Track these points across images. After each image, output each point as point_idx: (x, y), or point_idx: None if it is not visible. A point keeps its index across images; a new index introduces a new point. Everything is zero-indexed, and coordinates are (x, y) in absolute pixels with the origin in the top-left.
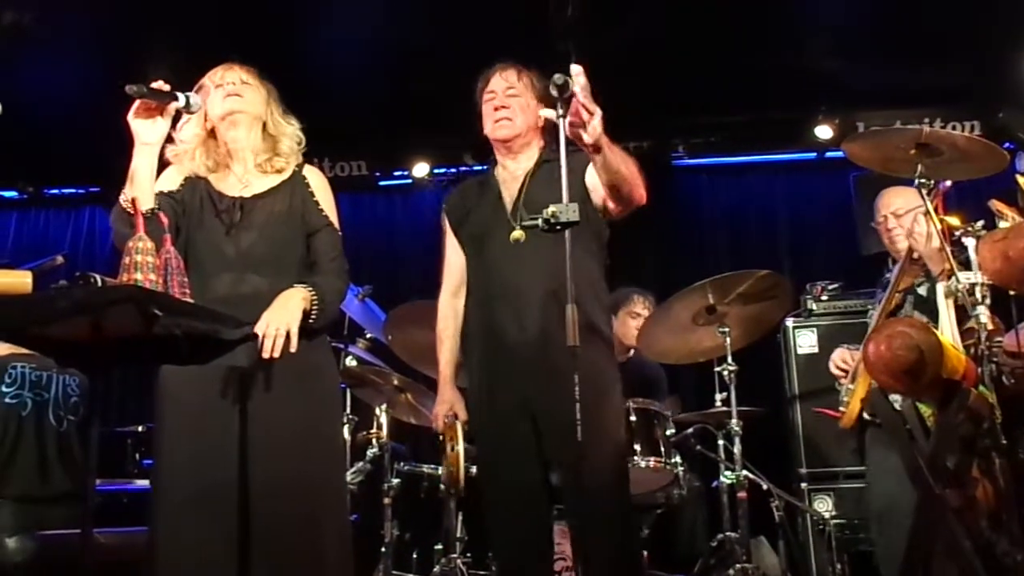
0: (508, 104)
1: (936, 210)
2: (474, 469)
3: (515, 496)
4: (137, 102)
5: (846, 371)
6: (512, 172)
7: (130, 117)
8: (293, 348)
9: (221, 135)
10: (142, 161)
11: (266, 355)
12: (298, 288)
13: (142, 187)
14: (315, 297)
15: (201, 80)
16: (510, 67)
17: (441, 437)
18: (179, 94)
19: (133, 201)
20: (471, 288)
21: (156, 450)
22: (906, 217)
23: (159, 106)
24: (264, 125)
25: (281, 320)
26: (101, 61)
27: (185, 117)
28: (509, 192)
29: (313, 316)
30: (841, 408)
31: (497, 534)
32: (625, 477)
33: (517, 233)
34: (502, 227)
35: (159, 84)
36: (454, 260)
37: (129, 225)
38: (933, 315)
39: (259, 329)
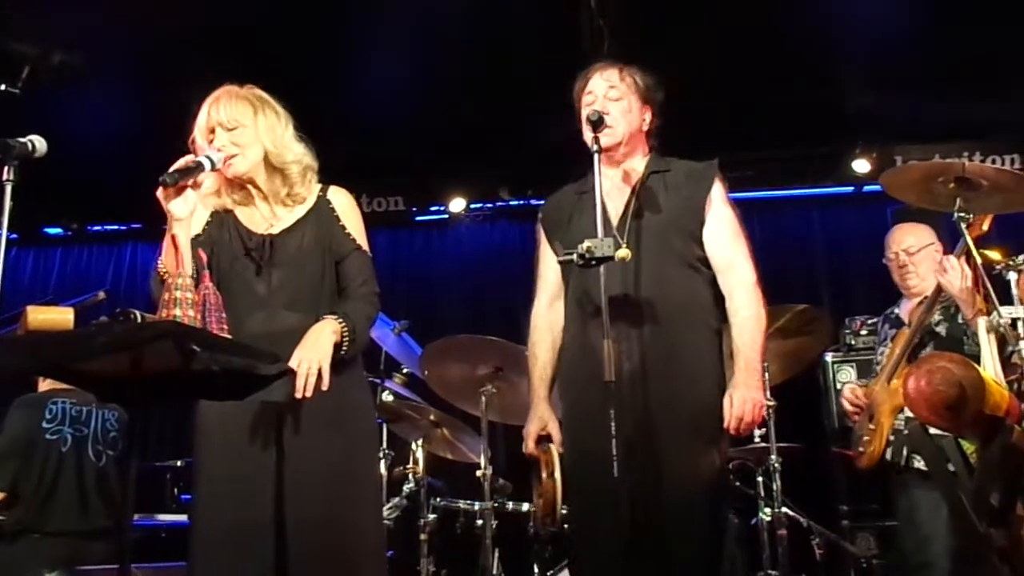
0: (608, 110)
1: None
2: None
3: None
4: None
5: (860, 407)
6: (615, 182)
7: (162, 200)
8: (325, 386)
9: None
10: (180, 232)
11: (299, 395)
12: (328, 320)
13: (184, 255)
14: (345, 328)
15: (197, 121)
16: (611, 65)
17: (532, 461)
18: (202, 159)
19: (173, 238)
20: (567, 306)
21: (194, 485)
22: (918, 255)
23: (190, 183)
24: (268, 158)
25: (313, 358)
26: (144, 97)
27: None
28: (615, 205)
29: (345, 348)
30: (860, 448)
31: None
32: (717, 543)
33: (623, 252)
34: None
35: (185, 161)
36: (549, 271)
37: (165, 291)
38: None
39: (292, 365)
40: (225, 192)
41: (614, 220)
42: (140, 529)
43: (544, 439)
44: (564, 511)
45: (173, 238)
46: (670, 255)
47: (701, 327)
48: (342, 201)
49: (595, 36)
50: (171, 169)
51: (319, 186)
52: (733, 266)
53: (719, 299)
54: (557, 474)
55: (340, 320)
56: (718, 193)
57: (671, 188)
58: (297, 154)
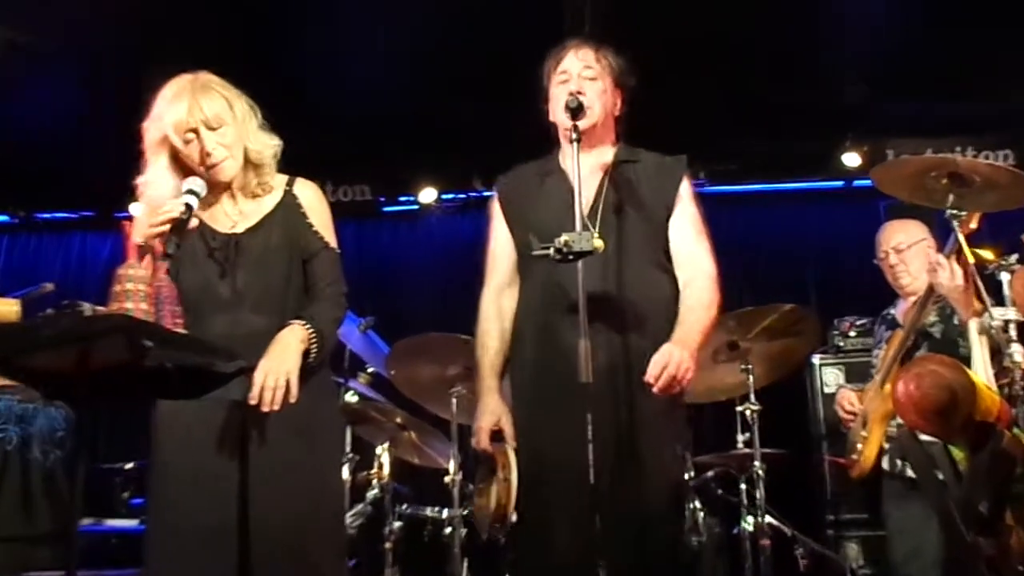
0: (585, 91)
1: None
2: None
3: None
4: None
5: (854, 413)
6: (584, 167)
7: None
8: (293, 398)
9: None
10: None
11: (265, 408)
12: (294, 328)
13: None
14: (313, 335)
15: (157, 116)
16: (586, 44)
17: (480, 459)
18: (188, 201)
19: (124, 226)
20: (526, 294)
21: (151, 486)
22: (909, 252)
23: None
24: (246, 153)
25: (279, 371)
26: (96, 84)
27: (153, 171)
28: (584, 193)
29: (312, 355)
30: (853, 455)
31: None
32: (679, 542)
33: (599, 242)
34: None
35: (172, 217)
36: (502, 252)
37: (116, 283)
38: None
39: (256, 379)
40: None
41: (584, 209)
42: (88, 535)
43: (496, 435)
44: (514, 517)
45: (124, 227)
46: (642, 253)
47: (666, 331)
48: (309, 196)
49: (575, 17)
50: (166, 237)
51: (284, 178)
52: (694, 258)
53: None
54: (513, 476)
55: (307, 325)
56: (686, 191)
57: (641, 181)
58: (272, 147)
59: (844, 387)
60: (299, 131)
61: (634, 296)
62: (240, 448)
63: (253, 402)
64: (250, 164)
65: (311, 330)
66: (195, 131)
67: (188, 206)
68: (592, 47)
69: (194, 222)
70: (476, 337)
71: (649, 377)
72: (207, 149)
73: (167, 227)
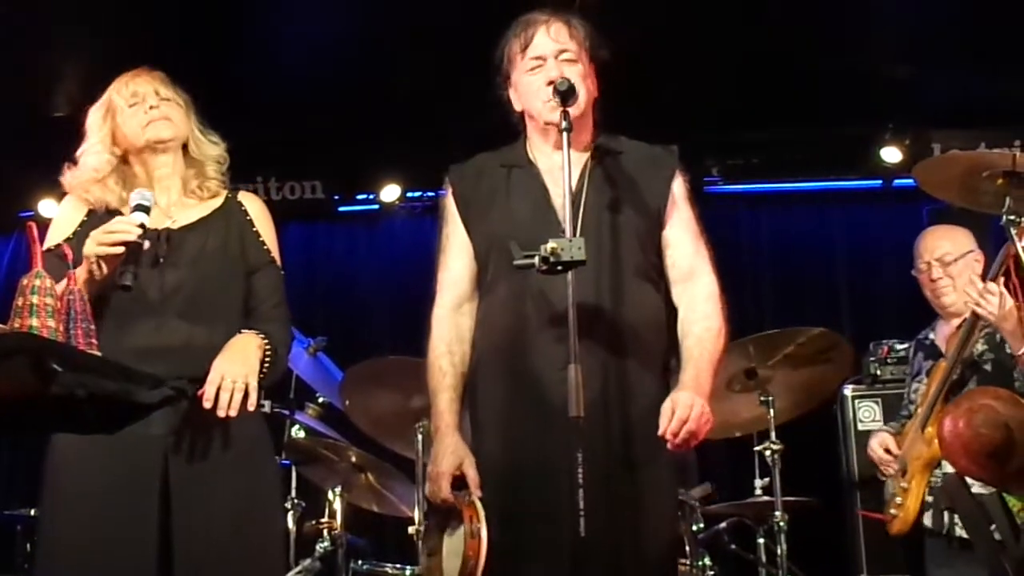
0: (567, 75)
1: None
2: None
3: None
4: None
5: (893, 460)
6: (556, 162)
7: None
8: (252, 406)
9: (140, 162)
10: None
11: (221, 413)
12: (250, 335)
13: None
14: (268, 349)
15: (105, 95)
16: (557, 18)
17: (434, 512)
18: (137, 216)
19: (28, 227)
20: (488, 311)
21: (43, 539)
22: (955, 265)
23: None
24: (187, 146)
25: (239, 372)
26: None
27: (91, 142)
28: (557, 191)
29: (264, 372)
30: (892, 510)
31: None
32: None
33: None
34: (550, 234)
35: (128, 237)
36: (458, 263)
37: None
38: None
39: (212, 380)
40: (114, 185)
41: (558, 208)
42: None
43: (459, 481)
44: None
45: (30, 229)
46: (630, 263)
47: (657, 355)
48: (256, 207)
49: None
50: (120, 266)
51: (227, 188)
52: (695, 275)
53: (670, 321)
54: (484, 533)
55: (263, 338)
56: (679, 189)
57: (627, 176)
58: (216, 148)
59: (883, 430)
60: (234, 118)
61: (622, 312)
62: (162, 494)
63: (207, 404)
64: (191, 160)
65: (267, 345)
66: (144, 98)
67: (143, 227)
68: (563, 20)
69: (147, 244)
70: (429, 363)
71: (664, 432)
72: (152, 104)
73: (118, 250)
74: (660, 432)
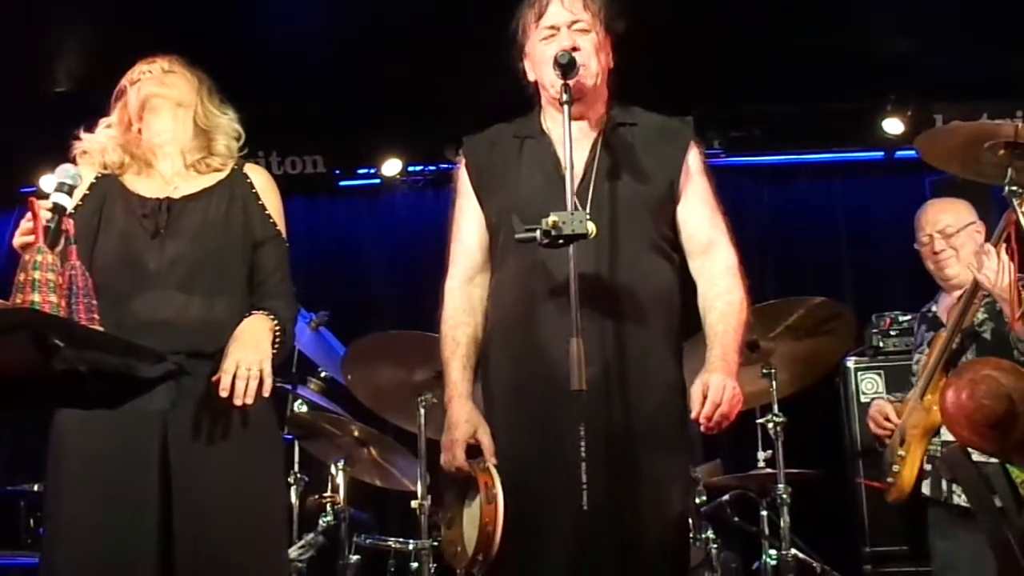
0: (580, 46)
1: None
2: None
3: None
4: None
5: (892, 429)
6: (572, 131)
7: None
8: (267, 392)
9: (144, 132)
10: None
11: (238, 401)
12: (260, 317)
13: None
14: (278, 330)
15: (120, 84)
16: None
17: (449, 481)
18: (57, 199)
19: (31, 203)
20: (500, 284)
21: (47, 516)
22: (958, 237)
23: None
24: (194, 117)
25: (253, 360)
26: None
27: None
28: (573, 159)
29: (274, 353)
30: (889, 478)
31: None
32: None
33: (592, 226)
34: (561, 205)
35: (41, 218)
36: (471, 234)
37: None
38: None
39: (227, 369)
40: (118, 152)
41: (574, 183)
42: None
43: (473, 449)
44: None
45: (32, 203)
46: (641, 236)
47: (670, 329)
48: (262, 180)
49: None
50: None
51: (234, 159)
52: (714, 247)
53: (683, 294)
54: (500, 498)
55: (272, 318)
56: (695, 160)
57: (640, 148)
58: (227, 120)
59: (882, 398)
60: (242, 93)
61: (631, 285)
62: (162, 469)
63: (224, 393)
64: (199, 130)
65: (276, 325)
66: (149, 71)
67: (56, 206)
68: None
69: (70, 223)
70: (442, 334)
71: (697, 416)
72: (157, 76)
73: (29, 239)
74: (693, 416)
